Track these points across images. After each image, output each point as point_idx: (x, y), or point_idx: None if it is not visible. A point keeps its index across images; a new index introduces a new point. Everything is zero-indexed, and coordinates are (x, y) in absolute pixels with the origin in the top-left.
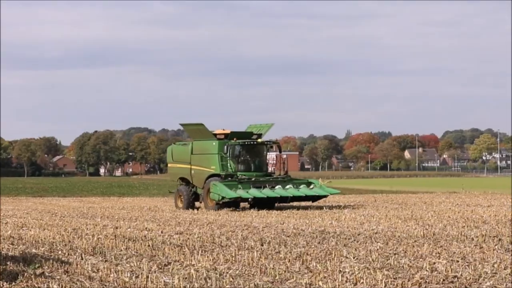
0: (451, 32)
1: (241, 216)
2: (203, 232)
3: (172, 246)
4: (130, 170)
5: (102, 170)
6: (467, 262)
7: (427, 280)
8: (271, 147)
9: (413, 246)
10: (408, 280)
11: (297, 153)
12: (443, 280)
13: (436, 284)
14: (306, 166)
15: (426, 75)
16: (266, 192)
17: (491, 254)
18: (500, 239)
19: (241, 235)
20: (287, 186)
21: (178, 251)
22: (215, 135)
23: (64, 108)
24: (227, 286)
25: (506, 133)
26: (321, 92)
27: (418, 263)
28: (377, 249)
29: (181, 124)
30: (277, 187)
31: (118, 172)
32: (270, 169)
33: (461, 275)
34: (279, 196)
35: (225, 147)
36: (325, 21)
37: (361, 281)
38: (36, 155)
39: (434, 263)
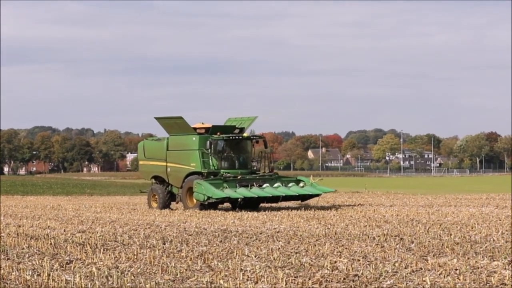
0: (359, 33)
1: (144, 215)
2: (106, 231)
3: (75, 244)
4: (34, 169)
5: (6, 169)
6: (368, 261)
7: (328, 279)
8: (257, 142)
9: (315, 245)
10: (309, 279)
11: None
12: (344, 278)
13: (337, 282)
14: None
15: (331, 75)
16: (256, 192)
17: (392, 253)
18: (401, 239)
19: (144, 233)
20: (276, 185)
21: (80, 249)
22: (194, 129)
23: None
24: (128, 284)
25: (409, 133)
26: (228, 92)
27: (319, 261)
28: (279, 248)
29: (156, 118)
30: (264, 185)
31: (22, 171)
32: (254, 166)
33: (362, 273)
34: (270, 195)
35: (208, 142)
36: (234, 21)
37: (262, 279)
38: None
39: (335, 261)
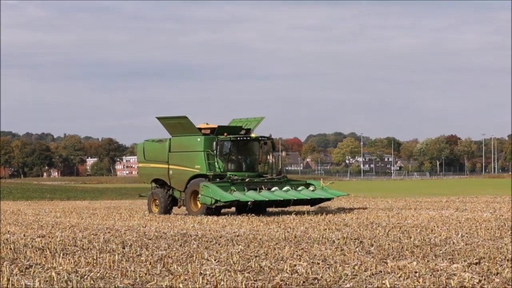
0: (319, 36)
1: (104, 219)
2: (65, 235)
3: (34, 249)
4: None
5: None
6: (327, 264)
7: (287, 282)
8: (265, 143)
9: (274, 249)
10: (269, 282)
11: None
12: (303, 281)
13: (296, 285)
14: None
15: (291, 79)
16: (266, 195)
17: (351, 256)
18: (361, 242)
19: (103, 238)
20: (285, 188)
21: (40, 254)
22: (199, 129)
23: None
24: None
25: (369, 137)
26: (188, 96)
27: (279, 265)
28: (238, 252)
29: (158, 118)
30: (273, 189)
31: None
32: (261, 168)
33: (322, 276)
34: (281, 199)
35: (214, 143)
36: (194, 25)
37: (222, 283)
38: None
39: (295, 265)
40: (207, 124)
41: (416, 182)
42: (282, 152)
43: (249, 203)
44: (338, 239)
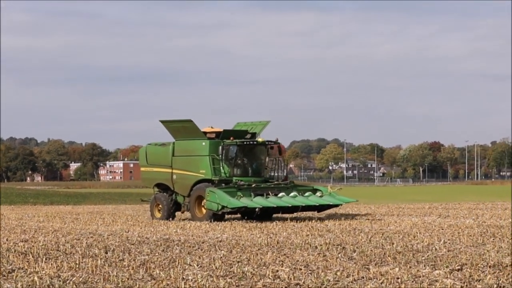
0: (303, 42)
1: (87, 224)
2: (48, 240)
3: (17, 253)
4: None
5: None
6: (310, 270)
7: (270, 287)
8: (272, 148)
9: (257, 254)
10: (251, 287)
11: None
12: (286, 287)
13: None
14: None
15: (275, 85)
16: (274, 201)
17: (334, 262)
18: (343, 248)
19: (86, 242)
20: (292, 194)
21: (22, 258)
22: (204, 133)
23: None
24: None
25: (353, 143)
26: (171, 102)
27: (261, 270)
28: (221, 257)
29: (162, 121)
30: (280, 194)
31: None
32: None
33: (304, 282)
34: (289, 205)
35: (220, 147)
36: (177, 30)
37: None
38: None
39: (277, 270)
40: (212, 128)
41: (399, 188)
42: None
43: (256, 209)
44: (321, 245)
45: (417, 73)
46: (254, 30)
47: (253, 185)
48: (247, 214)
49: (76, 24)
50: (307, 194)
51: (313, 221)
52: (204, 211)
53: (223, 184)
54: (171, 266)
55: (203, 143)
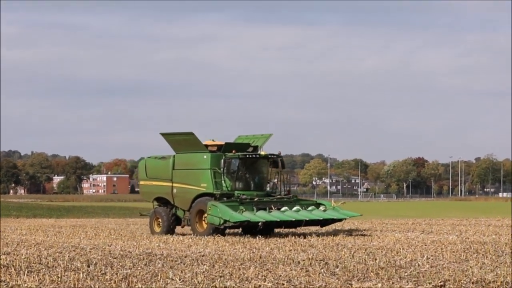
0: (288, 56)
1: (69, 238)
2: (31, 253)
3: None
4: None
5: None
6: (292, 285)
7: None
8: (274, 161)
9: (239, 269)
10: None
11: (128, 175)
12: None
13: None
14: (136, 189)
15: (259, 99)
16: (277, 215)
17: (316, 277)
18: (326, 263)
19: (68, 256)
20: (295, 208)
21: (4, 271)
22: (205, 146)
23: None
24: None
25: (337, 158)
26: (156, 114)
27: (243, 285)
28: (203, 272)
29: (163, 134)
30: (283, 209)
31: None
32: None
33: None
34: (293, 219)
35: (222, 161)
36: (163, 43)
37: None
38: None
39: (260, 285)
40: (213, 140)
41: (382, 204)
42: None
43: (259, 223)
44: (303, 260)
45: (402, 88)
46: (239, 43)
47: (256, 199)
48: (250, 228)
49: (60, 36)
50: (310, 208)
51: (296, 236)
52: (205, 225)
53: (225, 198)
54: (153, 280)
55: (205, 156)
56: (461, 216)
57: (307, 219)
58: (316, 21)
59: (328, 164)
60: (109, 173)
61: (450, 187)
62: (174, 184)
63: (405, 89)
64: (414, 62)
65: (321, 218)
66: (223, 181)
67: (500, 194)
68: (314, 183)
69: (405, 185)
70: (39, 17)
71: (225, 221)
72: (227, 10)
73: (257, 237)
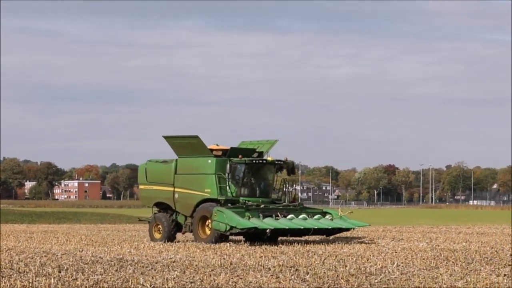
0: (261, 64)
1: (41, 243)
2: (2, 258)
3: None
4: None
5: None
6: None
7: None
8: (281, 167)
9: (210, 275)
10: None
11: (99, 181)
12: None
13: None
14: (108, 195)
15: (231, 106)
16: (285, 223)
17: (287, 284)
18: (297, 270)
19: (40, 261)
20: (301, 216)
21: None
22: (210, 151)
23: None
24: None
25: (308, 165)
26: (129, 121)
27: None
28: (174, 278)
29: (165, 137)
30: (289, 216)
31: None
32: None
33: None
34: (301, 227)
35: (227, 166)
36: (135, 49)
37: None
38: None
39: None
40: (217, 145)
41: (353, 211)
42: None
43: (267, 231)
44: (274, 267)
45: (373, 96)
46: (212, 50)
47: (262, 206)
48: (256, 235)
49: (33, 42)
50: (316, 217)
51: (267, 243)
52: (208, 232)
53: (229, 204)
54: (124, 286)
55: (209, 161)
56: (431, 223)
57: (315, 227)
58: (289, 29)
59: (299, 171)
60: (81, 179)
61: (421, 194)
62: (176, 189)
63: (377, 97)
64: (386, 70)
65: (329, 227)
66: (228, 187)
67: (471, 202)
68: (284, 190)
69: (376, 193)
70: (11, 22)
71: (232, 227)
72: (201, 18)
73: (228, 244)
